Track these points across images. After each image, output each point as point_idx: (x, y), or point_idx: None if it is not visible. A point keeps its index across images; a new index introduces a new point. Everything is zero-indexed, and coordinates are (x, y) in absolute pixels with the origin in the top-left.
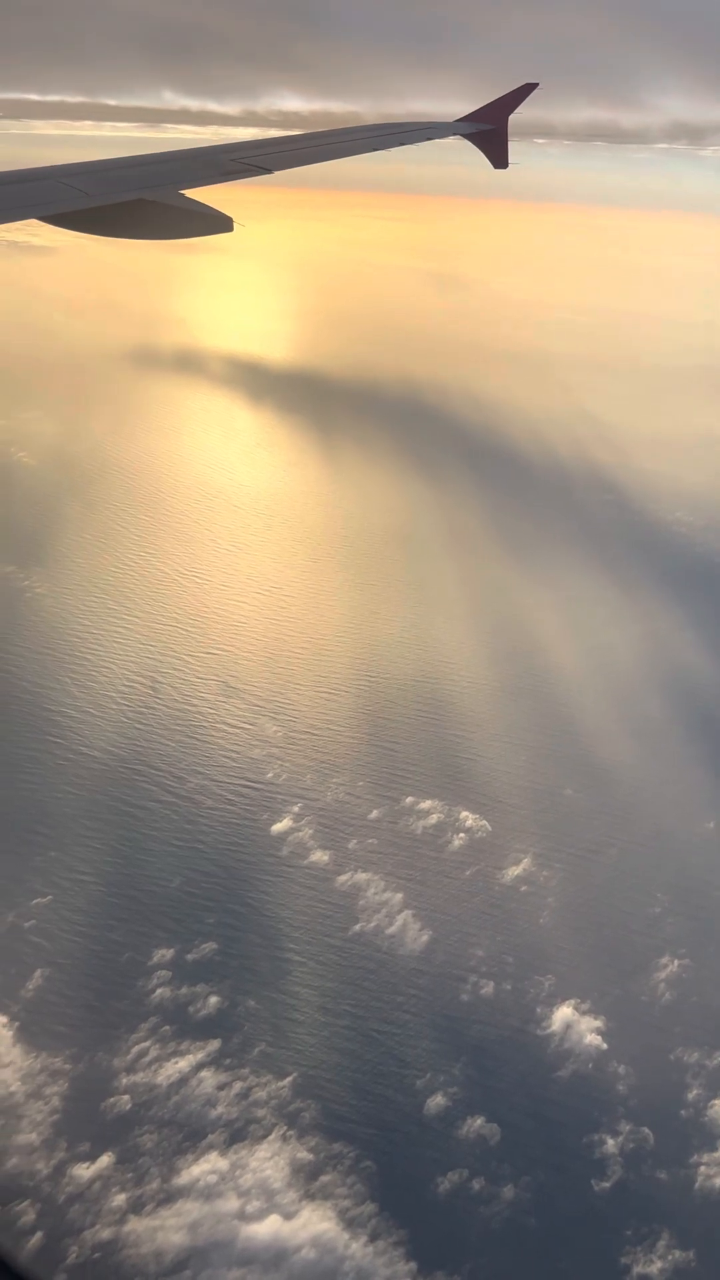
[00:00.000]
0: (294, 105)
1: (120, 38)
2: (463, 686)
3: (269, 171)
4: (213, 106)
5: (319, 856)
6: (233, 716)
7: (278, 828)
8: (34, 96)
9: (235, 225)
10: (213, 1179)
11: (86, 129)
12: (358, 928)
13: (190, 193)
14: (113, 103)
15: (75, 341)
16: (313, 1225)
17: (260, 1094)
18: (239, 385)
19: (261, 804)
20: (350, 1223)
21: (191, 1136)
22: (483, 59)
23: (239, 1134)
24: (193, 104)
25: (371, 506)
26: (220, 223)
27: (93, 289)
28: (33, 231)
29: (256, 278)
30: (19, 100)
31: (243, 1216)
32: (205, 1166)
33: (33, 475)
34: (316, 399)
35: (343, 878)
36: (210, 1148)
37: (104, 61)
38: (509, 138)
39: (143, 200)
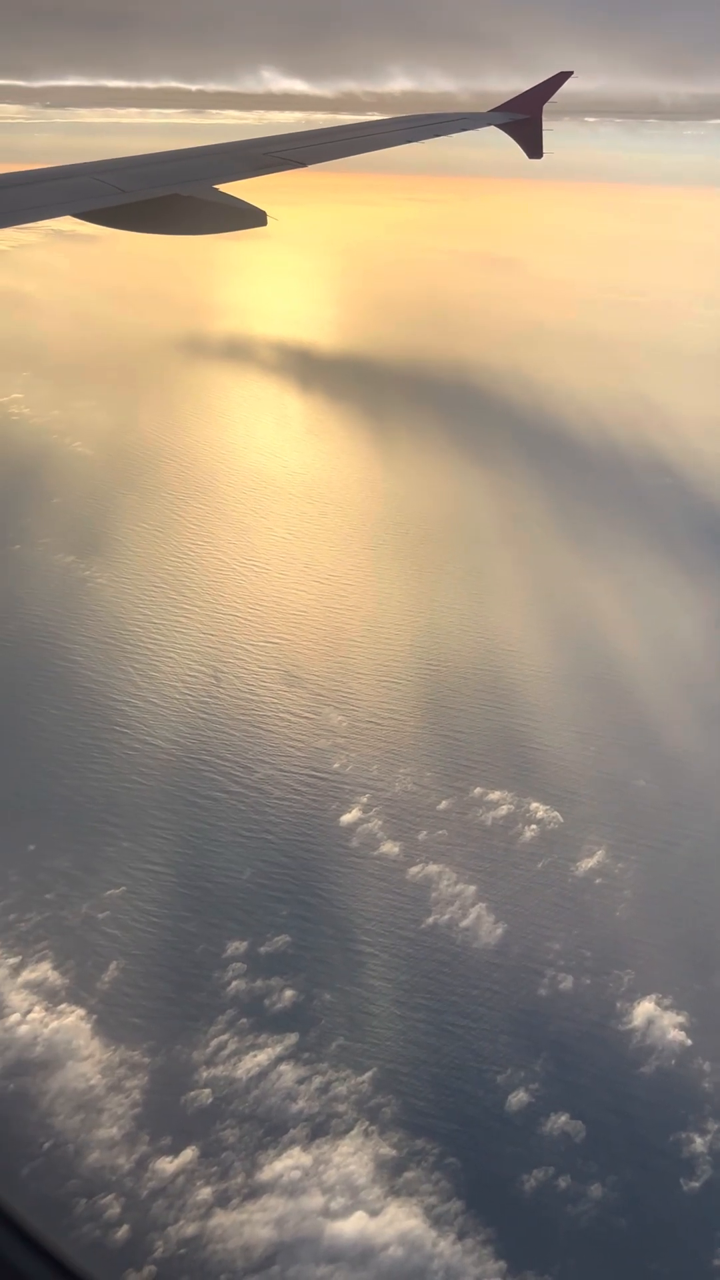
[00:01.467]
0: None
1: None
2: (526, 674)
3: (303, 165)
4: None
5: (389, 848)
6: (296, 706)
7: (346, 818)
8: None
9: (269, 220)
10: (296, 1174)
11: (132, 116)
12: (431, 920)
13: (224, 186)
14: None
15: (124, 331)
16: (399, 1222)
17: (340, 1089)
18: (288, 372)
19: (329, 794)
20: (437, 1220)
21: (273, 1131)
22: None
23: (320, 1129)
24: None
25: (426, 492)
26: (254, 217)
27: (139, 277)
28: (78, 220)
29: (300, 263)
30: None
31: (328, 1213)
32: (288, 1162)
33: (89, 465)
34: (366, 384)
35: (414, 869)
36: (292, 1143)
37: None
38: (544, 125)
39: (176, 195)
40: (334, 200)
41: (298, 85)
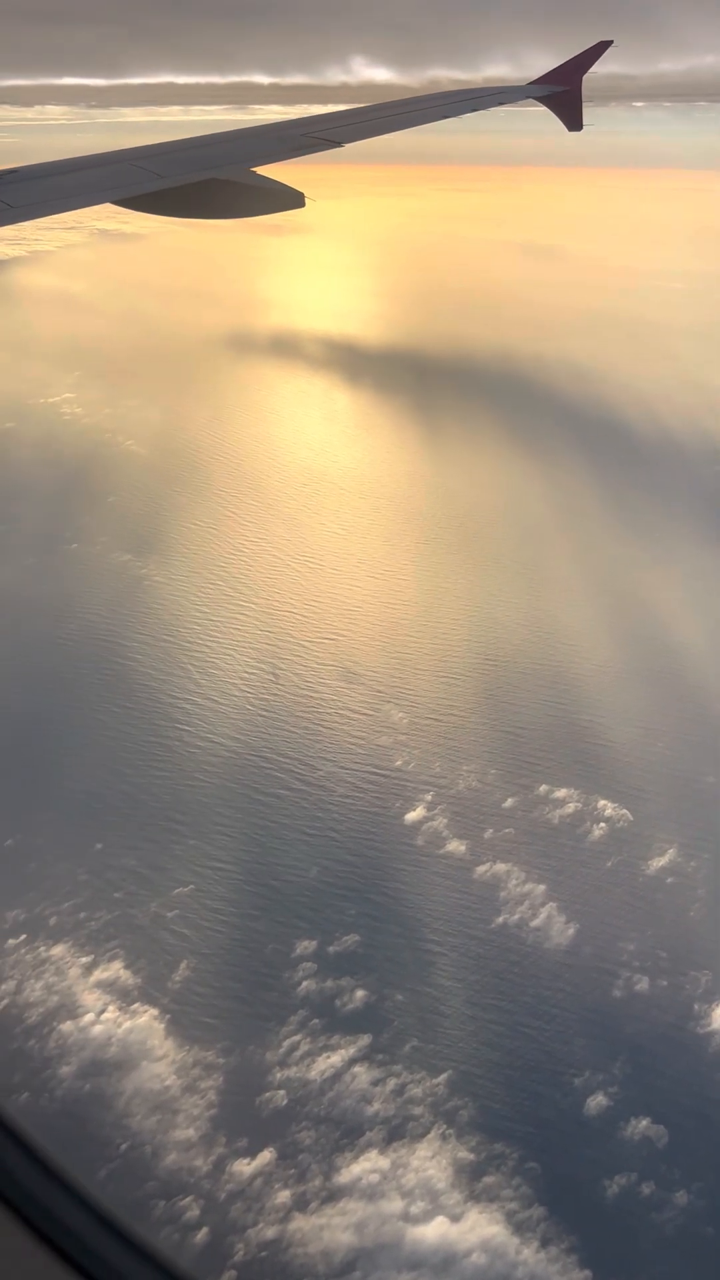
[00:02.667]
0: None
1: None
2: (589, 669)
3: (339, 144)
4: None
5: (455, 846)
6: (356, 703)
7: (411, 816)
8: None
9: (307, 201)
10: (375, 1178)
11: (174, 114)
12: (500, 920)
13: (262, 170)
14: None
15: (171, 328)
16: (481, 1228)
17: (415, 1091)
18: (336, 366)
19: (392, 792)
20: (519, 1226)
21: (349, 1134)
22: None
23: (397, 1132)
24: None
25: (479, 485)
26: (292, 198)
27: (183, 274)
28: (122, 219)
29: (342, 256)
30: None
31: (408, 1218)
32: (366, 1165)
33: (141, 464)
34: (414, 377)
35: (481, 868)
36: (369, 1145)
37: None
38: (583, 98)
39: (214, 179)
40: (374, 192)
41: (381, 74)
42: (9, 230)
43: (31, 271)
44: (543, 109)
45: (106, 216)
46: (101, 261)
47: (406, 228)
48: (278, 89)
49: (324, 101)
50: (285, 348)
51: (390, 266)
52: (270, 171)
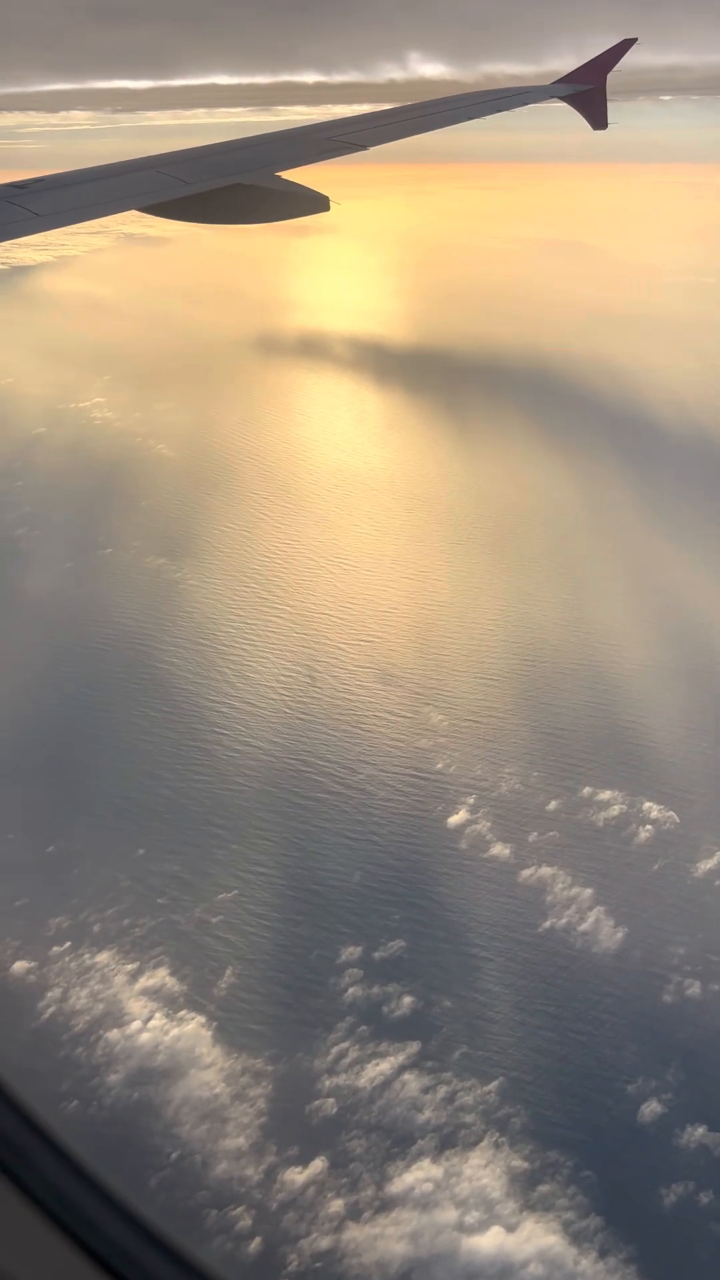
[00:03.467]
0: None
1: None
2: (628, 668)
3: (364, 148)
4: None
5: (499, 850)
6: (393, 705)
7: (454, 820)
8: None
9: (332, 204)
10: (428, 1187)
11: (200, 117)
12: (547, 924)
13: (287, 174)
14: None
15: (199, 331)
16: (537, 1239)
17: (467, 1099)
18: (364, 367)
19: (434, 795)
20: (576, 1237)
21: (400, 1142)
22: None
23: (449, 1140)
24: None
25: (511, 485)
26: (317, 202)
27: (210, 277)
28: (147, 223)
29: (368, 257)
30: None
31: (463, 1228)
32: (419, 1174)
33: (173, 467)
34: (443, 376)
35: (526, 872)
36: (421, 1154)
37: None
38: (608, 96)
39: (239, 185)
40: (397, 193)
41: (435, 69)
42: (36, 236)
43: (59, 276)
44: (566, 106)
45: (132, 221)
46: (128, 265)
47: (431, 227)
48: (324, 88)
49: (372, 100)
50: (313, 349)
51: (416, 266)
52: (295, 173)
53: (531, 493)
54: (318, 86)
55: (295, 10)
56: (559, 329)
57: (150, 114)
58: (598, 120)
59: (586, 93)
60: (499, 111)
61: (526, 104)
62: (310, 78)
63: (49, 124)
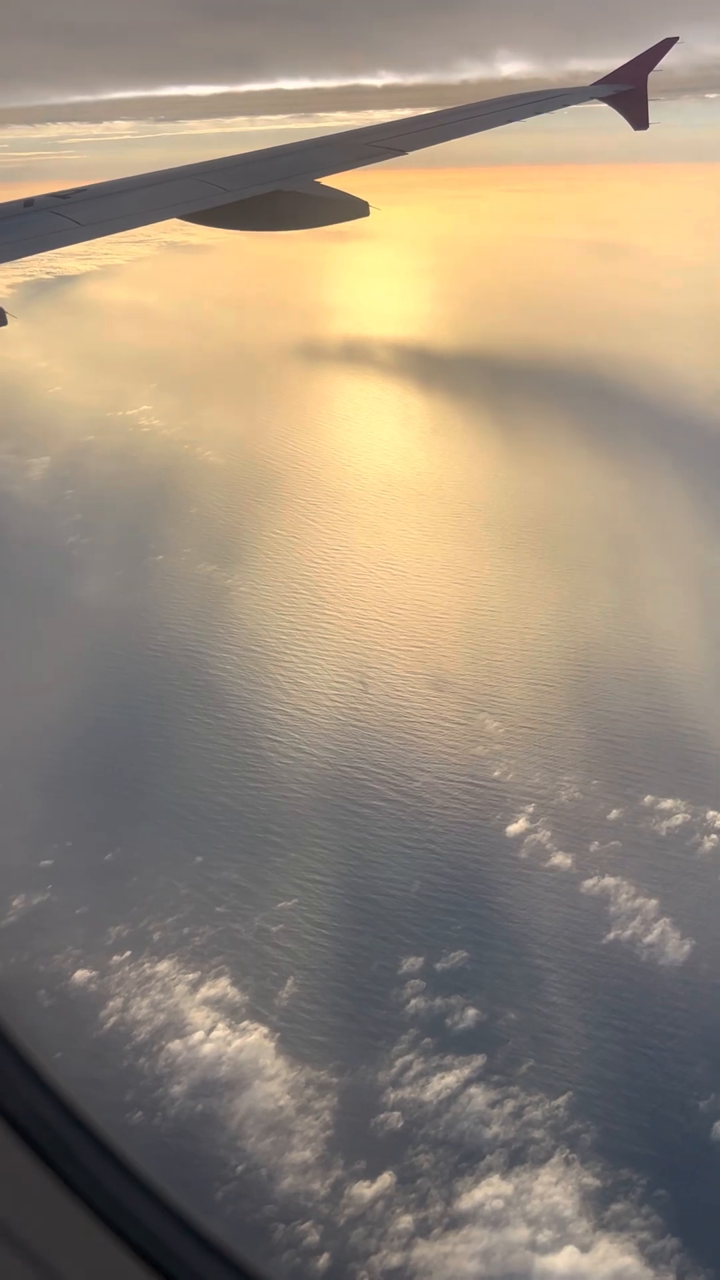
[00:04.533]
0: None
1: None
2: (685, 675)
3: (403, 152)
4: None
5: (560, 860)
6: (447, 712)
7: (513, 829)
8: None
9: (372, 209)
10: (498, 1204)
11: (240, 125)
12: (612, 936)
13: (327, 180)
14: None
15: (243, 338)
16: (612, 1259)
17: (535, 1114)
18: (408, 371)
19: (491, 803)
20: (653, 1258)
21: (468, 1158)
22: None
23: (518, 1156)
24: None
25: (560, 488)
26: (356, 208)
27: (252, 284)
28: (188, 231)
29: (409, 261)
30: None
31: (535, 1247)
32: (488, 1190)
33: (221, 474)
34: (488, 380)
35: (589, 882)
36: (490, 1170)
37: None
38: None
39: (279, 191)
40: (437, 196)
41: (521, 67)
42: (79, 245)
43: (103, 285)
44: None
45: (174, 229)
46: (171, 273)
47: (473, 230)
48: (395, 90)
49: (441, 103)
50: (356, 354)
51: (458, 270)
52: (334, 179)
53: (581, 496)
54: (388, 90)
55: (380, 11)
56: (604, 330)
57: (190, 123)
58: (639, 120)
59: (627, 93)
60: (539, 114)
61: (566, 106)
62: (383, 80)
63: (91, 134)
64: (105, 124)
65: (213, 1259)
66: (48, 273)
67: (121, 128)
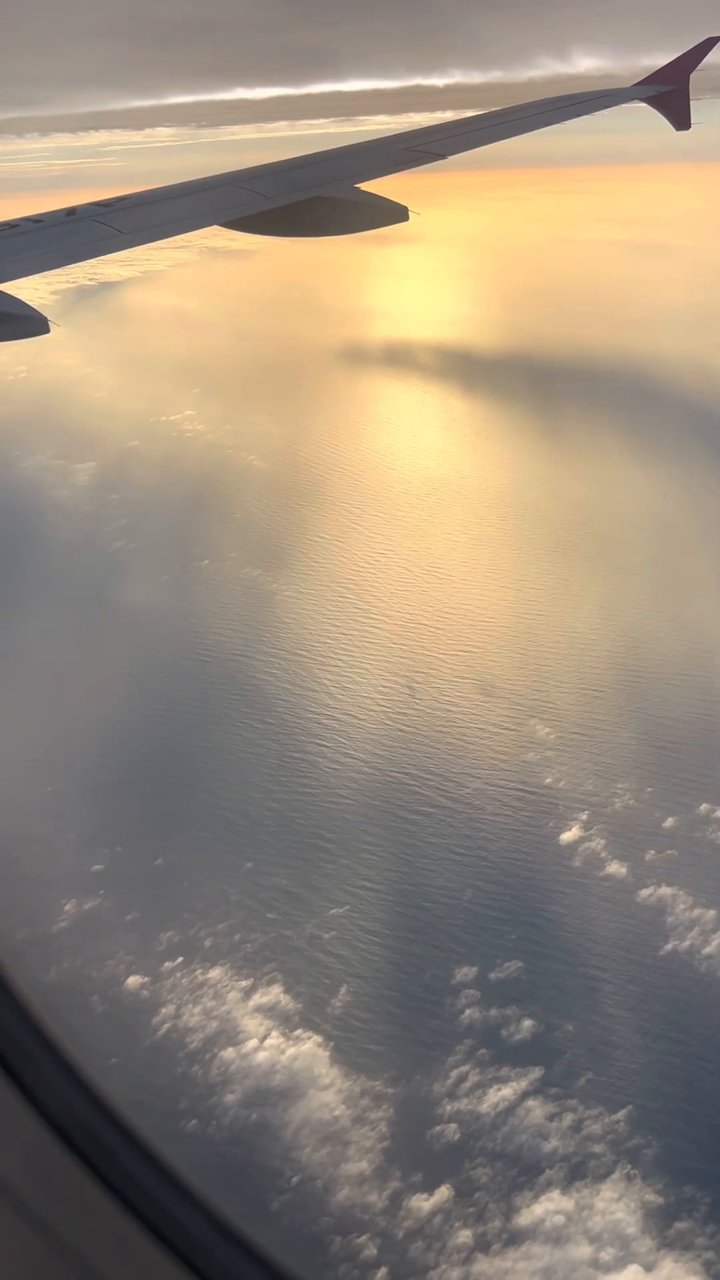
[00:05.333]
0: None
1: None
2: None
3: (443, 157)
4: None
5: (615, 869)
6: (497, 718)
7: (566, 837)
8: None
9: (412, 214)
10: (559, 1220)
11: (280, 130)
12: (669, 947)
13: (366, 185)
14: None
15: (285, 342)
16: (678, 1279)
17: (594, 1127)
18: (451, 374)
19: (544, 811)
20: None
21: (527, 1172)
22: None
23: (578, 1171)
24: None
25: (607, 491)
26: (396, 213)
27: (294, 289)
28: (229, 237)
29: (451, 264)
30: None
31: (598, 1265)
32: (548, 1205)
33: (265, 478)
34: (533, 382)
35: (645, 892)
36: (550, 1185)
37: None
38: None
39: (319, 197)
40: (477, 198)
41: (596, 63)
42: (121, 252)
43: (145, 291)
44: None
45: (214, 235)
46: (212, 279)
47: (515, 232)
48: (456, 90)
49: (495, 102)
50: (399, 358)
51: (500, 271)
52: (374, 184)
53: (629, 498)
54: (449, 90)
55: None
56: (648, 331)
57: (232, 128)
58: (680, 121)
59: (668, 93)
60: (579, 116)
61: (607, 107)
62: (449, 79)
63: (132, 141)
64: (148, 130)
65: (258, 1267)
66: (91, 279)
67: (164, 134)
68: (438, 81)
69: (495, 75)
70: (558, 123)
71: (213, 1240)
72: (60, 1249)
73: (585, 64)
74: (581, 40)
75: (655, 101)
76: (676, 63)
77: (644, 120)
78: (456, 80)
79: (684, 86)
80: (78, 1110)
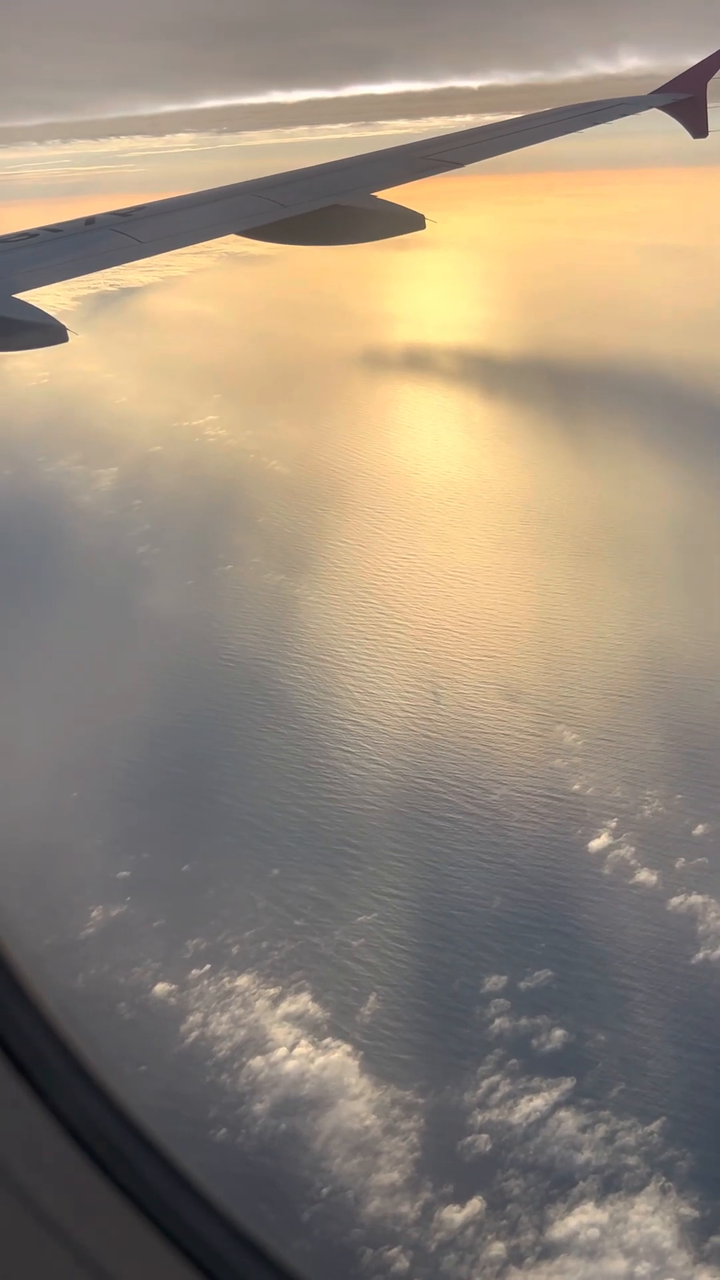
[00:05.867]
0: None
1: None
2: None
3: (459, 166)
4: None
5: (645, 876)
6: (523, 724)
7: (595, 844)
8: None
9: (429, 222)
10: (593, 1233)
11: (300, 135)
12: (701, 955)
13: (382, 193)
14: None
15: (305, 347)
16: None
17: (628, 1139)
18: (471, 379)
19: (571, 818)
20: None
21: (560, 1184)
22: None
23: (611, 1183)
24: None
25: (630, 495)
26: (412, 221)
27: (313, 294)
28: (248, 243)
29: (470, 269)
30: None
31: None
32: (582, 1218)
33: (287, 483)
34: (553, 386)
35: (676, 900)
36: (583, 1197)
37: None
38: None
39: (336, 206)
40: (495, 203)
41: (642, 62)
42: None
43: (165, 297)
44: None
45: (233, 240)
46: (232, 284)
47: (534, 236)
48: (488, 92)
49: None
50: (419, 362)
51: (519, 276)
52: (390, 191)
53: (654, 502)
54: (482, 92)
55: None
56: (669, 334)
57: (252, 134)
58: (698, 128)
59: (686, 100)
60: (594, 124)
61: (623, 115)
62: (487, 80)
63: (151, 148)
64: (167, 137)
65: (265, 1266)
66: (111, 284)
67: (185, 140)
68: (473, 83)
69: (535, 76)
70: (572, 131)
71: (222, 1240)
72: (77, 1253)
73: (630, 63)
74: (630, 39)
75: (672, 109)
76: (694, 70)
77: (662, 124)
78: (493, 82)
79: (701, 94)
80: (88, 1108)
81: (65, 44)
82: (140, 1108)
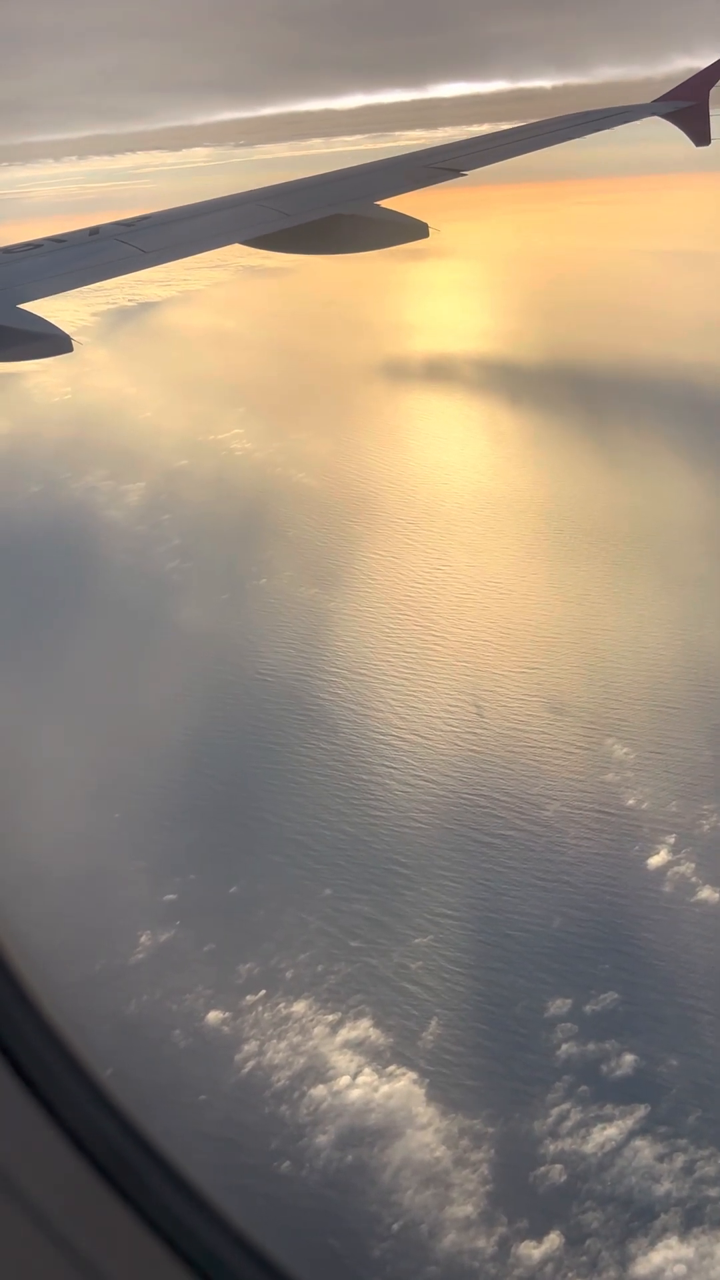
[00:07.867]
0: None
1: None
2: None
3: (461, 173)
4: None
5: (708, 894)
6: (570, 737)
7: (654, 861)
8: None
9: (433, 230)
10: (680, 1270)
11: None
12: None
13: (386, 202)
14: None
15: (326, 359)
16: None
17: (708, 1169)
18: (496, 388)
19: (628, 834)
20: None
21: (640, 1216)
22: None
23: (694, 1216)
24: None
25: (662, 501)
26: (416, 230)
27: (331, 305)
28: (264, 256)
29: (486, 277)
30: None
31: None
32: (666, 1254)
33: (316, 496)
34: (578, 393)
35: None
36: (666, 1231)
37: None
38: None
39: (338, 215)
40: (513, 211)
41: (613, 72)
42: (158, 273)
43: (184, 311)
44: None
45: (249, 254)
46: (250, 297)
47: (550, 243)
48: (518, 95)
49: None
50: (441, 372)
51: (536, 284)
52: (397, 200)
53: (685, 508)
54: (514, 93)
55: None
56: (692, 340)
57: (267, 146)
58: (700, 136)
59: (688, 108)
60: (597, 131)
61: (625, 122)
62: (542, 82)
63: (165, 162)
64: (183, 151)
65: (265, 1272)
66: (130, 300)
67: (200, 154)
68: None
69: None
70: (574, 138)
71: (222, 1245)
72: (76, 1259)
73: (610, 72)
74: (703, 40)
75: (674, 117)
76: (696, 79)
77: (667, 131)
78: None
79: (703, 102)
80: (88, 1111)
81: (107, 62)
82: (195, 1134)
